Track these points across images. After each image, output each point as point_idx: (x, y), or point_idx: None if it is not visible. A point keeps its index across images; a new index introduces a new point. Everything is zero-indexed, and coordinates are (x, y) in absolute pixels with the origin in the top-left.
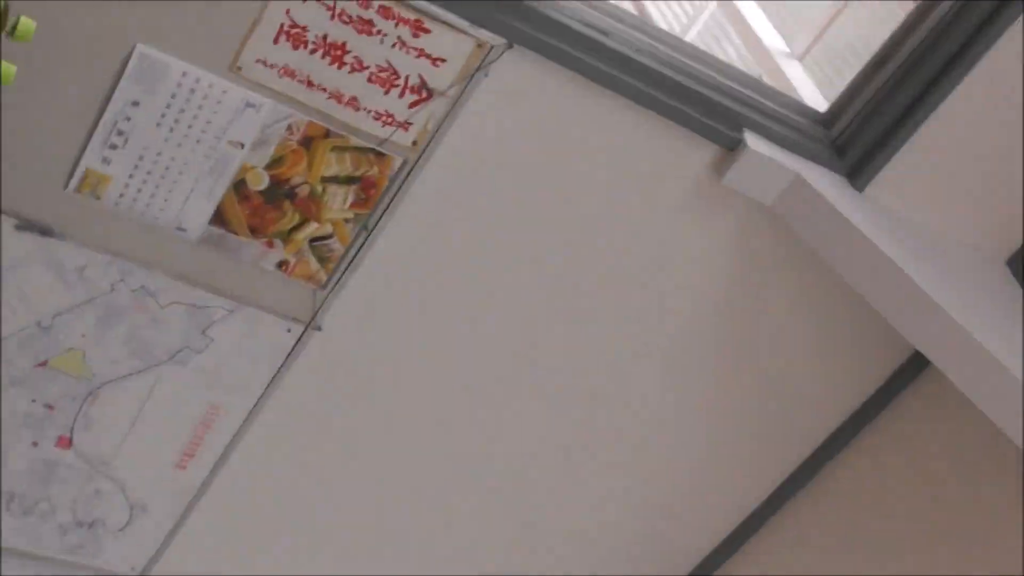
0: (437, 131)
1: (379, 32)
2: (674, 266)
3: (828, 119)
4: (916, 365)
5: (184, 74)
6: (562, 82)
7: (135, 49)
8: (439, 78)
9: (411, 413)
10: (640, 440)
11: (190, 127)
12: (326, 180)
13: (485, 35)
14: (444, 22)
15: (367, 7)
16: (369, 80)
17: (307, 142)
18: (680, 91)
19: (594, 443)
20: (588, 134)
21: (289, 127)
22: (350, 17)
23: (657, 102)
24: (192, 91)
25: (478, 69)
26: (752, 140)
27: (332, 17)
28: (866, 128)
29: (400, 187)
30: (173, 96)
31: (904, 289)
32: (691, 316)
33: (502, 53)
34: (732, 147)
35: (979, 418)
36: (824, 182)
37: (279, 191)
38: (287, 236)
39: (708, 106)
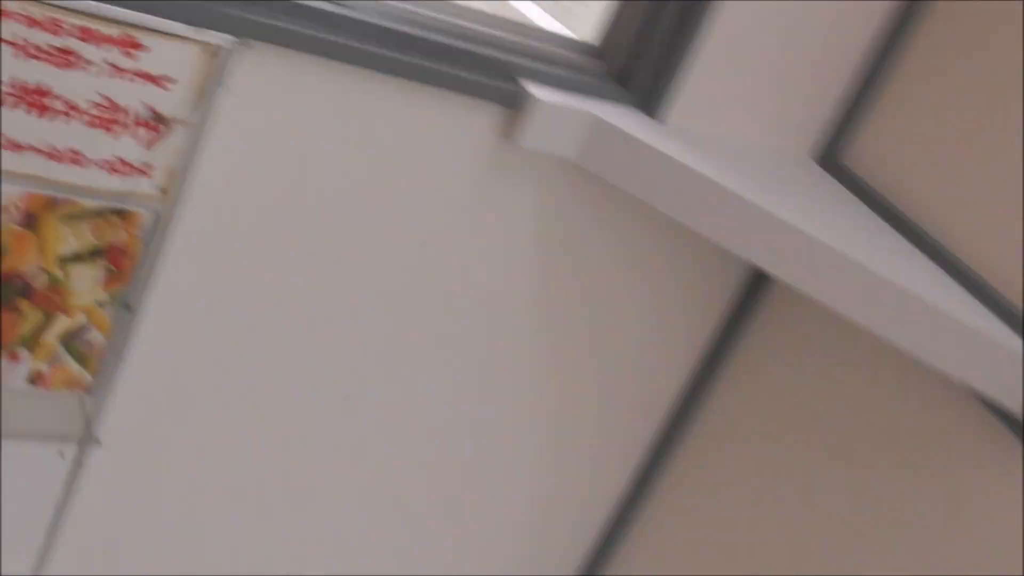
0: (187, 168)
1: (83, 61)
2: (486, 249)
3: (603, 51)
4: (757, 284)
5: None
6: (315, 72)
7: None
8: (173, 102)
9: (227, 509)
10: (491, 441)
11: None
12: (65, 261)
13: (213, 37)
14: (159, 31)
15: (58, 32)
16: (89, 124)
17: (30, 220)
18: (444, 52)
19: (438, 463)
20: (355, 126)
21: (4, 207)
22: (41, 50)
23: (422, 70)
24: None
25: (215, 81)
26: (537, 91)
27: (19, 55)
28: (647, 52)
29: (158, 247)
30: None
31: (731, 206)
32: (517, 297)
33: (238, 55)
34: (517, 104)
35: (832, 317)
36: (622, 118)
37: (10, 289)
38: (33, 341)
39: (479, 62)
